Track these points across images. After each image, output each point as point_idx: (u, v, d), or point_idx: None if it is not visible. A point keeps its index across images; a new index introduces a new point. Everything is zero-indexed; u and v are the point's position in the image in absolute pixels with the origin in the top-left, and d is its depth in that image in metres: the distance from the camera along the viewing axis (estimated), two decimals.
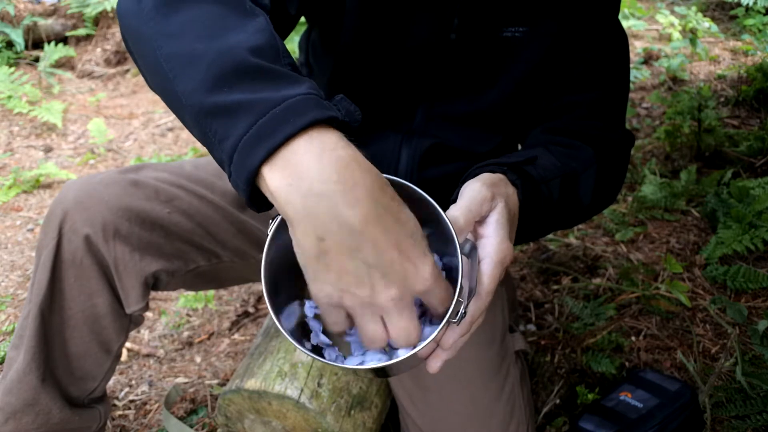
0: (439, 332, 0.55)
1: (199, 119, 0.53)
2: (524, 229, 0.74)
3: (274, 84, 0.52)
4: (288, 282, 0.61)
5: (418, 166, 0.91)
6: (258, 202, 0.53)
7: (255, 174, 0.50)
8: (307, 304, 0.65)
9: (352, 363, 0.62)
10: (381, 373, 0.65)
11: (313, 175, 0.48)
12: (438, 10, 0.84)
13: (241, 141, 0.50)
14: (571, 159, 0.83)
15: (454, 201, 0.67)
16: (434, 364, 0.60)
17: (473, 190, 0.64)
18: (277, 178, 0.49)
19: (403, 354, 0.55)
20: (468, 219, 0.61)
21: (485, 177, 0.68)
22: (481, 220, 0.64)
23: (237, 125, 0.51)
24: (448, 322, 0.55)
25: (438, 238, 0.59)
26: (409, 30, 0.85)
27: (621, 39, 0.93)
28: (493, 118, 0.92)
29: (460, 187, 0.69)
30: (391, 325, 0.53)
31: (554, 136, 0.89)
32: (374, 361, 0.59)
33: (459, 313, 0.55)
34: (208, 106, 0.52)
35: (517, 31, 0.86)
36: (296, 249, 0.52)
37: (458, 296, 0.54)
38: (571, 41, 0.88)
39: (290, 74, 0.54)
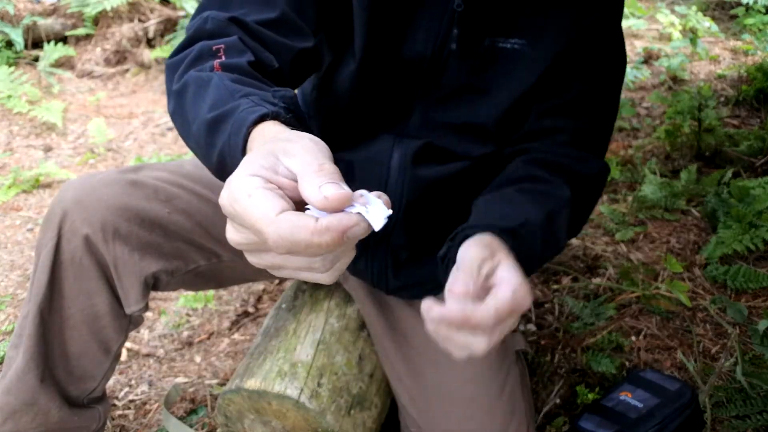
0: None
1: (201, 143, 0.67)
2: None
3: (226, 120, 0.62)
4: None
5: (411, 164, 0.91)
6: None
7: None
8: None
9: None
10: None
11: None
12: (438, 22, 0.84)
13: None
14: (548, 198, 0.85)
15: (442, 257, 0.76)
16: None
17: (470, 256, 0.68)
18: None
19: None
20: (476, 282, 0.64)
21: (479, 239, 0.71)
22: (487, 277, 0.66)
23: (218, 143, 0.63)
24: None
25: None
26: (410, 40, 0.86)
27: (619, 68, 0.93)
28: (489, 130, 0.92)
29: (447, 246, 0.76)
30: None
31: (535, 168, 0.89)
32: None
33: None
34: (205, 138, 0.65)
35: (516, 44, 0.86)
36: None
37: None
38: (570, 65, 0.88)
39: (237, 105, 0.62)
